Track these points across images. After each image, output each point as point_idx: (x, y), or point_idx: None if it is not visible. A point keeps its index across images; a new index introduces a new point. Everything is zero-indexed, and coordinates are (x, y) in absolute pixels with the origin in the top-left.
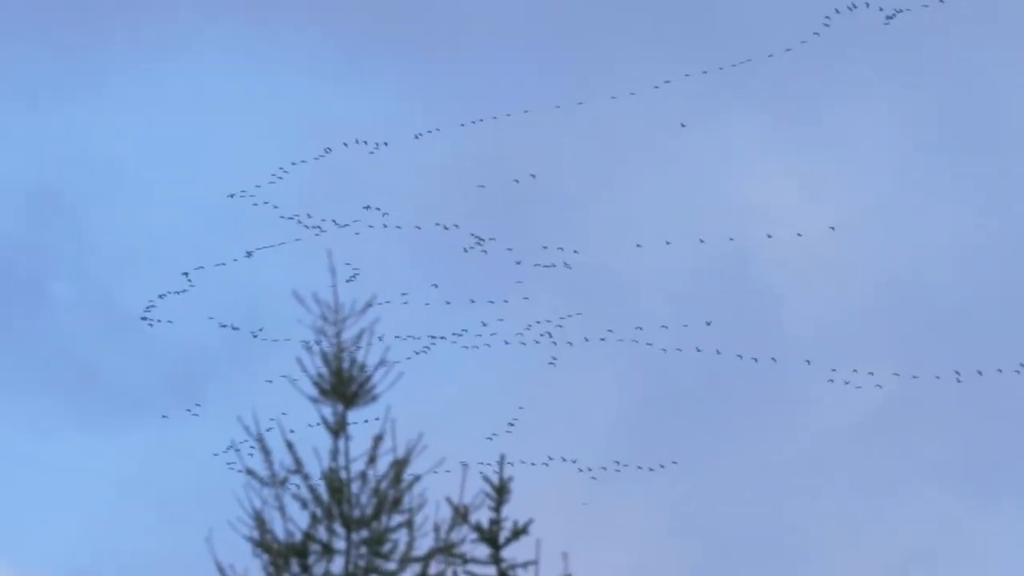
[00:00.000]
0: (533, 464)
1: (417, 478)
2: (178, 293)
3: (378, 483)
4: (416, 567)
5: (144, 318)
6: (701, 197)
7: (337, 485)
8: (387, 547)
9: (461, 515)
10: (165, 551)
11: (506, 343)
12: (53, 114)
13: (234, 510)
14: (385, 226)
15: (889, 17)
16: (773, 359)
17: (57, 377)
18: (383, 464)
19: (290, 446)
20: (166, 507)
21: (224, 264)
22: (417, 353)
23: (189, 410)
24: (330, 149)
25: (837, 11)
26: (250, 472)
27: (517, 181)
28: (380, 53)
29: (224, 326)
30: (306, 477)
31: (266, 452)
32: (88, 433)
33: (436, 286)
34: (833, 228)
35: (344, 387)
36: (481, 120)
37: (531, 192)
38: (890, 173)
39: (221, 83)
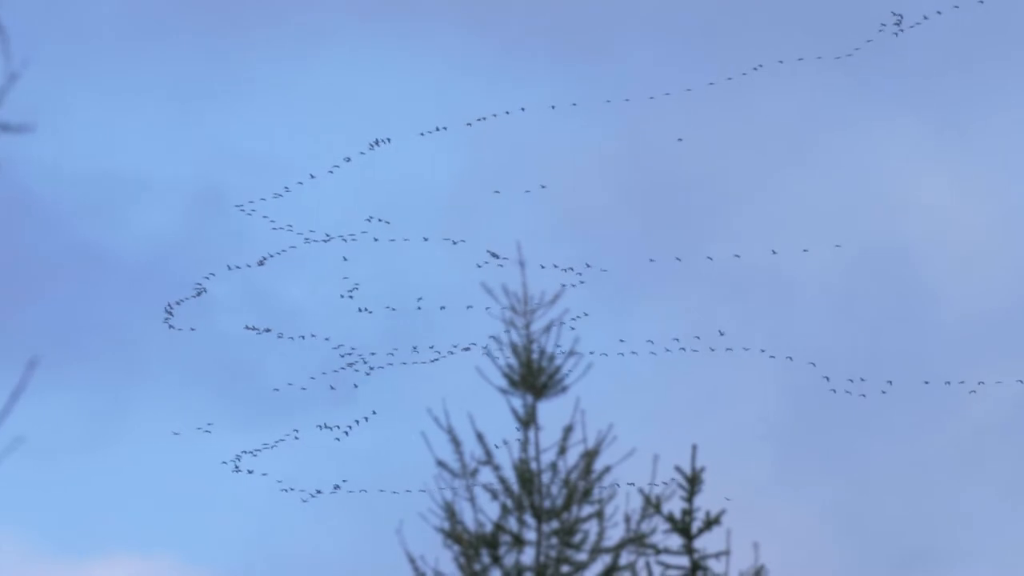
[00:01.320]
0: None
1: (608, 469)
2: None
3: (568, 474)
4: (607, 558)
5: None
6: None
7: (528, 476)
8: (578, 538)
9: (654, 505)
10: (320, 551)
11: (635, 353)
12: (204, 114)
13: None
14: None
15: None
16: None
17: (217, 375)
18: (573, 455)
19: (480, 438)
20: (317, 507)
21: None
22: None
23: (200, 428)
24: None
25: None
26: (441, 464)
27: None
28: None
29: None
30: (496, 468)
31: (456, 444)
32: (247, 432)
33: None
34: (839, 246)
35: (534, 378)
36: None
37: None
38: None
39: (368, 77)
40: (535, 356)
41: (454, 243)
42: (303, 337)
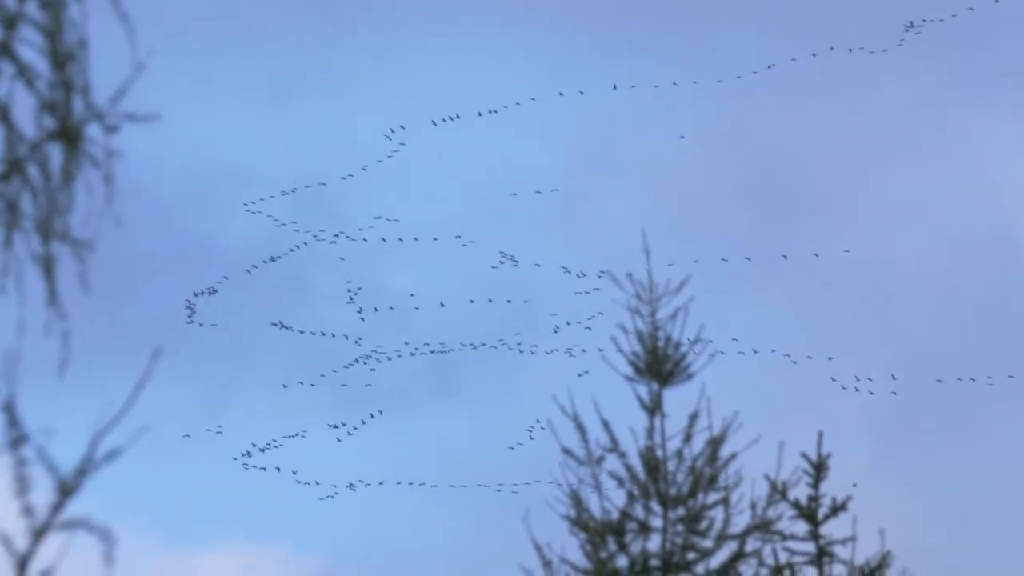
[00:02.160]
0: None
1: (733, 456)
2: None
3: (694, 461)
4: (733, 544)
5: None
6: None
7: (654, 464)
8: (703, 525)
9: (780, 492)
10: (429, 544)
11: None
12: (302, 106)
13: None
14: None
15: None
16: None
17: (322, 368)
18: (699, 442)
19: (606, 425)
20: (423, 498)
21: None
22: None
23: (209, 430)
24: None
25: None
26: (566, 451)
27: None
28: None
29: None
30: (622, 456)
31: (582, 431)
32: (348, 425)
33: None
34: (847, 250)
35: (659, 366)
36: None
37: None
38: None
39: (463, 67)
40: (661, 344)
41: (464, 245)
42: (321, 334)
